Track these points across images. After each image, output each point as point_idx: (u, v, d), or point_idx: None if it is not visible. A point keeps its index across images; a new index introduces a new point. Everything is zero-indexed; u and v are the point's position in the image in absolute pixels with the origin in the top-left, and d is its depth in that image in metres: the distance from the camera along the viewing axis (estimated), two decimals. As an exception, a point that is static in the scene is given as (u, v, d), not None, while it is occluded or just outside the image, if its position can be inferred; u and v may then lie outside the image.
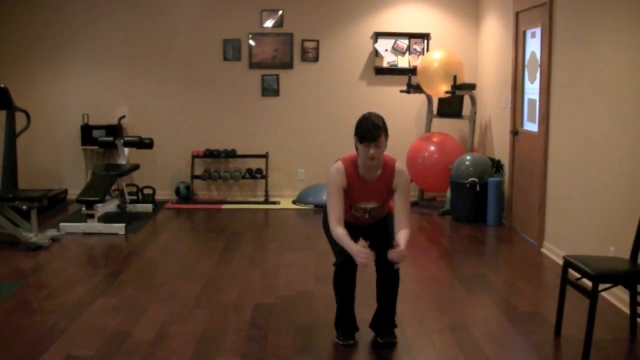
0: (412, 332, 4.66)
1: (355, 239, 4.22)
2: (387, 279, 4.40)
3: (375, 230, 4.46)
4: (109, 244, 7.17)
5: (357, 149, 4.29)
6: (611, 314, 4.99)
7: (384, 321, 4.48)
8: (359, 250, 4.00)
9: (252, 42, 9.52)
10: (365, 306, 4.63)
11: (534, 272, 6.31)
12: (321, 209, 9.00)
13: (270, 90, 9.63)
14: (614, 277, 4.23)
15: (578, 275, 4.38)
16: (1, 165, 7.47)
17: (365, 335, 4.54)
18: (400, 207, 4.31)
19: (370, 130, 4.17)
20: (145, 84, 9.60)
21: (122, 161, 8.84)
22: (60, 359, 4.14)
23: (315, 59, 9.59)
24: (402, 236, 4.18)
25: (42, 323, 4.75)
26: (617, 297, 5.11)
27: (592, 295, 4.13)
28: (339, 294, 4.45)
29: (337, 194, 4.26)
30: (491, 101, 8.81)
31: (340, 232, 4.15)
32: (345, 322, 4.48)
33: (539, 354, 4.30)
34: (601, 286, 4.17)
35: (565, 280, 4.52)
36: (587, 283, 4.26)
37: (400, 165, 4.43)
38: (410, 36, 9.56)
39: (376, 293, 4.48)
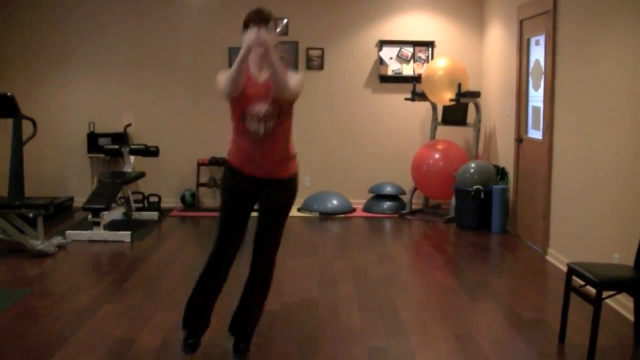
0: (416, 338, 4.66)
1: (241, 219, 4.15)
2: (258, 274, 4.24)
3: (266, 202, 4.18)
4: (115, 251, 7.19)
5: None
6: (616, 321, 4.98)
7: (241, 329, 4.27)
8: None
9: (257, 50, 9.53)
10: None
11: (539, 279, 6.31)
12: (327, 216, 9.03)
13: (275, 98, 9.64)
14: (617, 284, 4.24)
15: (582, 283, 4.38)
16: (8, 173, 7.51)
17: (365, 343, 4.54)
18: None
19: (259, 12, 3.97)
20: (151, 92, 9.64)
21: (128, 169, 8.87)
22: (66, 366, 4.17)
23: (320, 67, 9.62)
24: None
25: (47, 330, 4.77)
26: (621, 304, 5.11)
27: (596, 303, 4.13)
28: (200, 280, 4.25)
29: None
30: (495, 109, 8.82)
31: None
32: (195, 315, 4.25)
33: (543, 361, 4.32)
34: (605, 293, 4.18)
35: (569, 288, 4.52)
36: (591, 290, 4.27)
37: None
38: (415, 44, 9.59)
39: (242, 291, 4.29)
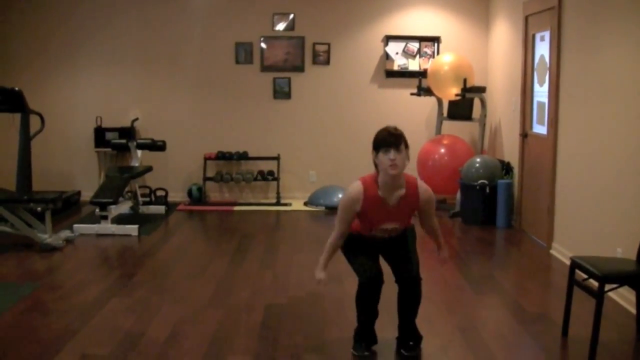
0: (421, 333, 4.70)
1: (373, 256, 4.27)
2: (409, 295, 4.26)
3: (393, 246, 4.31)
4: (122, 245, 7.25)
5: (376, 166, 4.10)
6: (618, 314, 5.03)
7: (408, 334, 4.35)
8: (320, 279, 4.25)
9: (264, 45, 9.59)
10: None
11: (543, 274, 6.35)
12: (332, 210, 9.07)
13: (281, 93, 9.71)
14: (620, 278, 4.27)
15: (585, 276, 4.42)
16: (16, 168, 7.57)
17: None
18: (433, 225, 4.41)
19: (390, 135, 4.04)
20: (158, 86, 9.69)
21: (135, 163, 8.93)
22: (75, 359, 4.21)
23: (327, 62, 9.66)
24: (444, 249, 4.59)
25: (57, 323, 4.84)
26: (624, 298, 5.15)
27: (599, 296, 4.17)
28: (362, 311, 4.30)
29: (346, 219, 4.15)
30: (501, 104, 8.85)
31: (331, 244, 4.22)
32: (366, 336, 4.35)
33: (547, 354, 4.35)
34: (608, 287, 4.22)
35: (572, 281, 4.56)
36: (594, 284, 4.30)
37: (422, 182, 4.29)
38: (421, 39, 9.61)
39: (397, 306, 4.33)
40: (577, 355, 4.33)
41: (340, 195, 9.24)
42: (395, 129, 4.13)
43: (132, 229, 7.65)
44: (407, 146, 4.11)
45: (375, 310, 4.33)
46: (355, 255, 4.29)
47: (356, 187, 4.12)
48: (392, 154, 3.99)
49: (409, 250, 4.32)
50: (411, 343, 4.34)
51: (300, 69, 9.66)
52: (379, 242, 4.30)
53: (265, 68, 9.65)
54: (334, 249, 4.25)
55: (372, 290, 4.21)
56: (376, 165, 4.11)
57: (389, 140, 4.03)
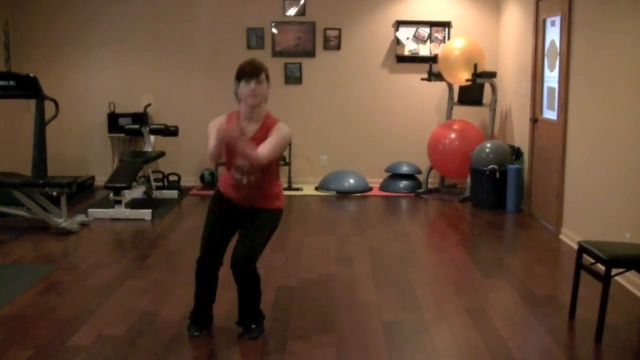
0: (430, 314, 4.78)
1: (223, 233, 4.39)
2: (237, 275, 4.30)
3: (245, 222, 4.33)
4: (136, 229, 7.35)
5: (238, 99, 4.20)
6: (625, 298, 5.08)
7: (246, 316, 4.42)
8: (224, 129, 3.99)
9: (275, 31, 9.63)
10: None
11: (551, 257, 6.40)
12: (344, 195, 9.15)
13: (293, 78, 9.75)
14: (626, 262, 4.32)
15: (593, 260, 4.48)
16: (32, 153, 7.67)
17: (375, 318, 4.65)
18: (263, 153, 4.09)
19: (251, 66, 4.11)
20: (170, 72, 9.75)
21: (148, 148, 9.01)
22: (92, 338, 4.31)
23: (338, 47, 9.69)
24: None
25: (73, 304, 4.95)
26: (631, 282, 5.21)
27: (605, 280, 4.23)
28: (196, 287, 4.46)
29: (214, 134, 4.10)
30: (511, 89, 8.87)
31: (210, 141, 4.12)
32: (198, 315, 4.46)
33: (553, 335, 4.41)
34: (614, 271, 4.27)
35: (579, 265, 4.62)
36: (601, 268, 4.36)
37: (284, 123, 4.28)
38: (432, 24, 9.62)
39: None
40: (584, 337, 4.40)
41: (351, 181, 9.34)
42: (257, 60, 4.18)
43: (146, 213, 7.74)
44: (268, 79, 4.18)
45: (210, 291, 4.47)
46: (205, 228, 4.45)
47: (220, 117, 4.27)
48: (252, 84, 4.08)
49: (253, 231, 4.28)
50: (253, 326, 4.40)
51: (311, 54, 9.71)
52: (238, 209, 4.34)
53: (276, 53, 9.70)
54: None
55: (200, 270, 4.41)
56: (237, 97, 4.20)
57: (250, 71, 4.09)
